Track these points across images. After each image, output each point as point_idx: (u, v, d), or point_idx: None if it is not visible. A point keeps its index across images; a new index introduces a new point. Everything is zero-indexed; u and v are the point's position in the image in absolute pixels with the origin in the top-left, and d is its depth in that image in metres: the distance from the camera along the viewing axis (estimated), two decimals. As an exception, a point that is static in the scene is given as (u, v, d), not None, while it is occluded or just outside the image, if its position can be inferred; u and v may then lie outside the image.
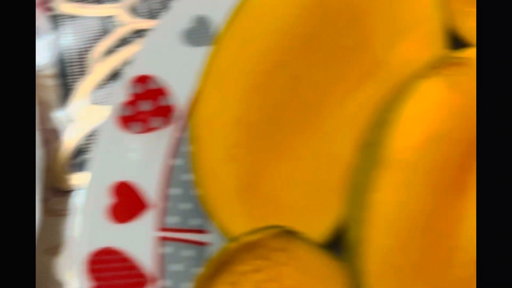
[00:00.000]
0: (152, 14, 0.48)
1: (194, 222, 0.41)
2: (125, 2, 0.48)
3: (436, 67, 0.37)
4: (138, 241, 0.40)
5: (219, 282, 0.36)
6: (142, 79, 0.42)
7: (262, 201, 0.38)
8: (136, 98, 0.42)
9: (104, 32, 0.47)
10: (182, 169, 0.41)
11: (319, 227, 0.38)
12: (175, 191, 0.41)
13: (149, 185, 0.41)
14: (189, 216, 0.41)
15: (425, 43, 0.40)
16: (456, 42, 0.40)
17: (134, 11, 0.48)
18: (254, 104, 0.39)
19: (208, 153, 0.38)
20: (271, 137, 0.39)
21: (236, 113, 0.38)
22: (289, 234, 0.36)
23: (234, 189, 0.38)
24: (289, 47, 0.39)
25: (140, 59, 0.42)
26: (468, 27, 0.41)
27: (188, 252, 0.40)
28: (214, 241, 0.40)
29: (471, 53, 0.37)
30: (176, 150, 0.41)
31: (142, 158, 0.41)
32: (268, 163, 0.39)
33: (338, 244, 0.38)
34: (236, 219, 0.38)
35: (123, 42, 0.48)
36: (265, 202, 0.38)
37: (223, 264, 0.36)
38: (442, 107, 0.36)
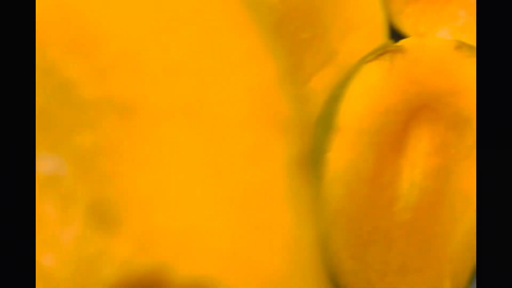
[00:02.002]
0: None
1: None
2: None
3: (378, 53, 0.45)
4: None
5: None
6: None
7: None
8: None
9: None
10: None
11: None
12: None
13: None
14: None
15: (372, 36, 0.48)
16: (396, 35, 0.49)
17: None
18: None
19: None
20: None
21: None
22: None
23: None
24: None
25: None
26: (407, 24, 0.49)
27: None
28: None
29: (406, 42, 0.46)
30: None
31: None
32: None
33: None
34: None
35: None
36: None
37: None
38: (382, 85, 0.44)
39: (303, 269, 0.20)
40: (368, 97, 0.44)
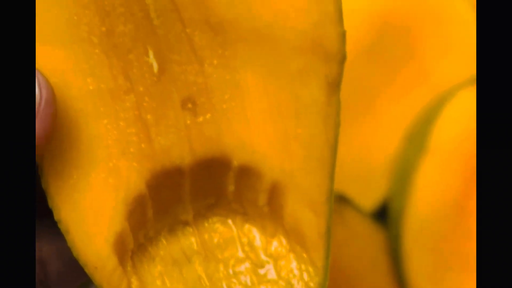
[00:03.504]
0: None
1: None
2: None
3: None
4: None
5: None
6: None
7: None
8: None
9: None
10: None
11: (367, 197, 0.46)
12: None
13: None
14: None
15: (469, 59, 0.48)
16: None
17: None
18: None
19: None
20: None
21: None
22: (342, 199, 0.44)
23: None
24: (353, 51, 0.48)
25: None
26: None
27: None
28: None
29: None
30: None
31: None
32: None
33: (382, 214, 0.45)
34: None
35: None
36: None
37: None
38: (473, 114, 0.44)
39: (314, 164, 0.28)
40: (463, 122, 0.44)
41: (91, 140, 0.28)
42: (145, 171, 0.28)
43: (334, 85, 0.28)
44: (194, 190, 0.29)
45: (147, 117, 0.28)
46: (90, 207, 0.28)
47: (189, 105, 0.29)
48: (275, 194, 0.29)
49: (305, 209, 0.28)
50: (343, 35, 0.27)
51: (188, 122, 0.28)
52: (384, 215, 0.45)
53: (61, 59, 0.28)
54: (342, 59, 0.27)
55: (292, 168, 0.28)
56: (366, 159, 0.46)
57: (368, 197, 0.46)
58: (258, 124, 0.28)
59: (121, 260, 0.28)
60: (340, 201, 0.44)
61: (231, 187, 0.29)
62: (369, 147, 0.47)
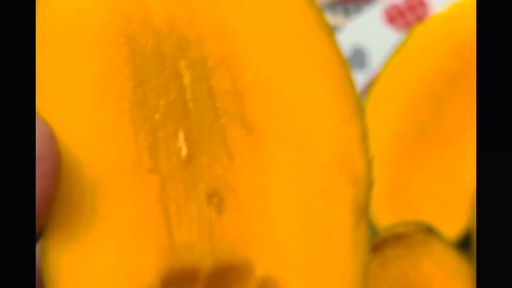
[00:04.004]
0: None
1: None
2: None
3: None
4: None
5: (370, 261, 0.44)
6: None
7: (405, 200, 0.46)
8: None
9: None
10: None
11: (451, 227, 0.46)
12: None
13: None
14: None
15: None
16: None
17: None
18: (408, 122, 0.47)
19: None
20: (417, 149, 0.47)
21: (393, 126, 0.47)
22: (428, 230, 0.44)
23: (383, 189, 0.46)
24: (439, 81, 0.48)
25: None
26: None
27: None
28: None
29: None
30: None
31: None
32: (413, 170, 0.47)
33: (468, 244, 0.45)
34: (384, 213, 0.46)
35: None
36: (408, 202, 0.46)
37: (374, 247, 0.44)
38: None
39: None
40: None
41: (104, 217, 0.25)
42: (161, 265, 0.25)
43: (362, 211, 0.27)
44: None
45: (170, 204, 0.25)
46: None
47: (215, 200, 0.26)
48: None
49: None
50: (369, 162, 0.27)
51: (213, 219, 0.26)
52: (468, 245, 0.45)
53: (84, 116, 0.25)
54: (370, 185, 0.27)
55: None
56: (451, 189, 0.46)
57: (453, 226, 0.46)
58: (284, 236, 0.26)
59: None
60: (427, 232, 0.44)
61: None
62: (453, 176, 0.47)
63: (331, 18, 0.57)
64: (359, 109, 0.27)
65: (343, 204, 0.26)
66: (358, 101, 0.27)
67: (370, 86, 0.49)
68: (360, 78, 0.50)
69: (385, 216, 0.46)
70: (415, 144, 0.47)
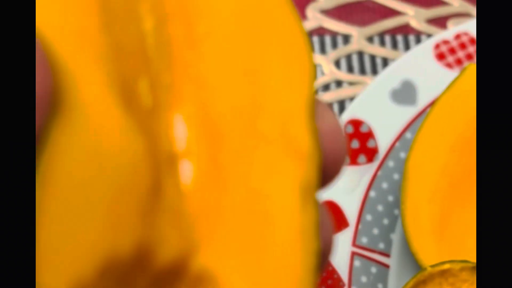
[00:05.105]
0: (351, 69, 0.58)
1: (380, 245, 0.50)
2: (330, 56, 0.58)
3: None
4: (338, 251, 0.49)
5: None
6: (355, 122, 0.51)
7: (452, 238, 0.47)
8: (349, 137, 0.51)
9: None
10: (376, 200, 0.50)
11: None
12: (368, 217, 0.50)
13: (350, 208, 0.50)
14: (376, 239, 0.50)
15: None
16: None
17: (336, 64, 0.58)
18: (457, 159, 0.48)
19: (415, 193, 0.48)
20: (466, 187, 0.48)
21: (442, 163, 0.48)
22: (474, 269, 0.45)
23: (431, 226, 0.47)
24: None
25: (355, 106, 0.52)
26: None
27: (373, 269, 0.49)
28: (393, 264, 0.49)
29: None
30: (373, 184, 0.51)
31: (347, 186, 0.50)
32: (461, 207, 0.48)
33: None
34: (430, 250, 0.47)
35: (324, 88, 0.57)
36: (455, 239, 0.47)
37: (420, 282, 0.45)
38: None
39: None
40: None
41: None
42: None
43: (309, 192, 0.23)
44: None
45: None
46: None
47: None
48: None
49: None
50: (315, 134, 0.23)
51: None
52: None
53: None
54: (317, 162, 0.23)
55: None
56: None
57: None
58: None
59: None
60: (472, 270, 0.45)
61: None
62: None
63: (381, 50, 0.58)
64: (310, 75, 0.24)
65: (288, 184, 0.23)
66: (312, 67, 0.24)
67: (419, 121, 0.50)
68: (409, 112, 0.52)
69: (431, 253, 0.47)
70: (463, 181, 0.48)
